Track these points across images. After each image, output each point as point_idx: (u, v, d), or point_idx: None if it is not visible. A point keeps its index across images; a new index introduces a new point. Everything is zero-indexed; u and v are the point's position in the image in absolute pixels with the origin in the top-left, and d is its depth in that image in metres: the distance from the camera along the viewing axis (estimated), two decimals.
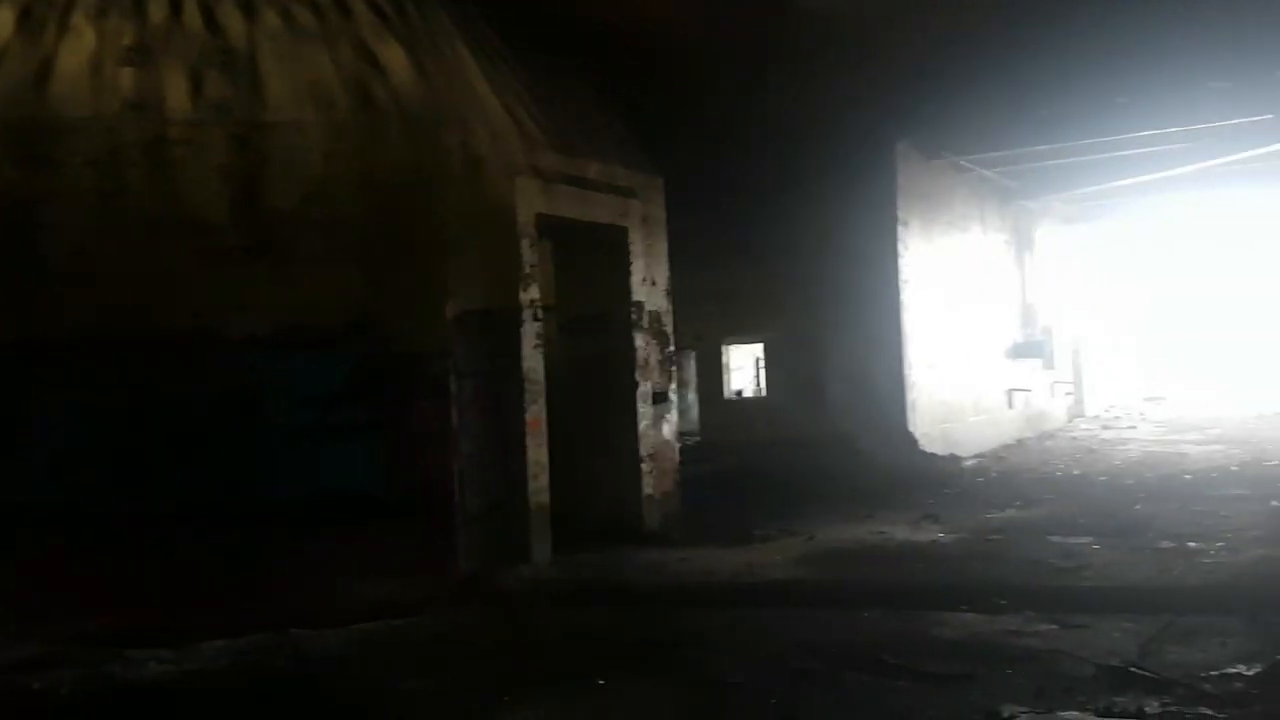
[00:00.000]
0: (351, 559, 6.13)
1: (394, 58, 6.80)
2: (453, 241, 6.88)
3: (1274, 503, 8.63)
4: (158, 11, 6.37)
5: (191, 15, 6.42)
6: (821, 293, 11.93)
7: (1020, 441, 14.94)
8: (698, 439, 13.28)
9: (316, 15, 6.67)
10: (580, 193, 8.00)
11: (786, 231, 11.99)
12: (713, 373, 13.32)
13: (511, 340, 7.26)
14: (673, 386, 9.13)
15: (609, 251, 8.50)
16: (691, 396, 13.90)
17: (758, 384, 14.11)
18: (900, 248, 11.86)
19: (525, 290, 7.34)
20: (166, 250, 6.10)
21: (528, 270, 7.38)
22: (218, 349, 6.20)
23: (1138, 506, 9.08)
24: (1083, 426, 17.04)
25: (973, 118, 11.10)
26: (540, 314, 7.53)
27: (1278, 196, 17.47)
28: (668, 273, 9.00)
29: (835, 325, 11.93)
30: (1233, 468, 11.17)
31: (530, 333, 7.38)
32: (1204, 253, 25.36)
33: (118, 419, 6.09)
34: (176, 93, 6.20)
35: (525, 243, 7.36)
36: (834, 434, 11.56)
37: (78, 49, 6.15)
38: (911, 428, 11.75)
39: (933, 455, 11.78)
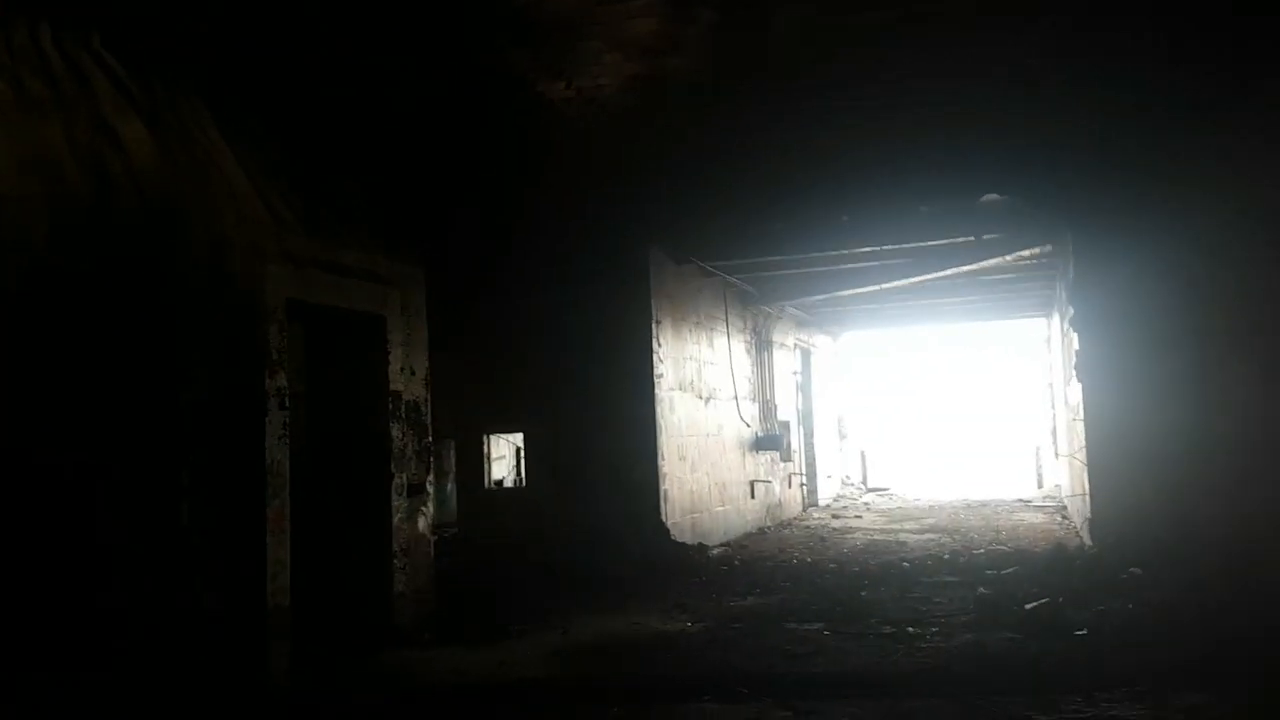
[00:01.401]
0: None
1: (137, 137, 6.47)
2: (192, 326, 6.54)
3: (980, 589, 9.51)
4: None
5: None
6: (581, 387, 12.23)
7: (761, 530, 15.78)
8: (455, 530, 13.07)
9: (51, 87, 6.25)
10: (337, 279, 7.86)
11: (552, 325, 12.29)
12: (473, 462, 13.22)
13: (254, 430, 6.93)
14: (430, 478, 8.99)
15: (366, 339, 8.36)
16: (450, 486, 13.71)
17: (519, 474, 14.12)
18: (655, 344, 12.40)
19: (271, 378, 7.06)
20: None
21: (275, 357, 7.12)
22: None
23: (863, 593, 9.78)
24: (815, 516, 18.20)
25: (713, 229, 12.04)
26: (287, 402, 7.25)
27: (985, 312, 19.71)
28: (427, 363, 8.94)
29: (595, 418, 12.23)
30: (945, 555, 12.27)
31: (275, 422, 7.08)
32: (924, 358, 28.17)
33: None
34: None
35: (273, 329, 7.11)
36: (593, 525, 11.74)
37: None
38: (664, 518, 12.14)
39: (683, 544, 12.20)
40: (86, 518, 5.94)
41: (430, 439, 9.03)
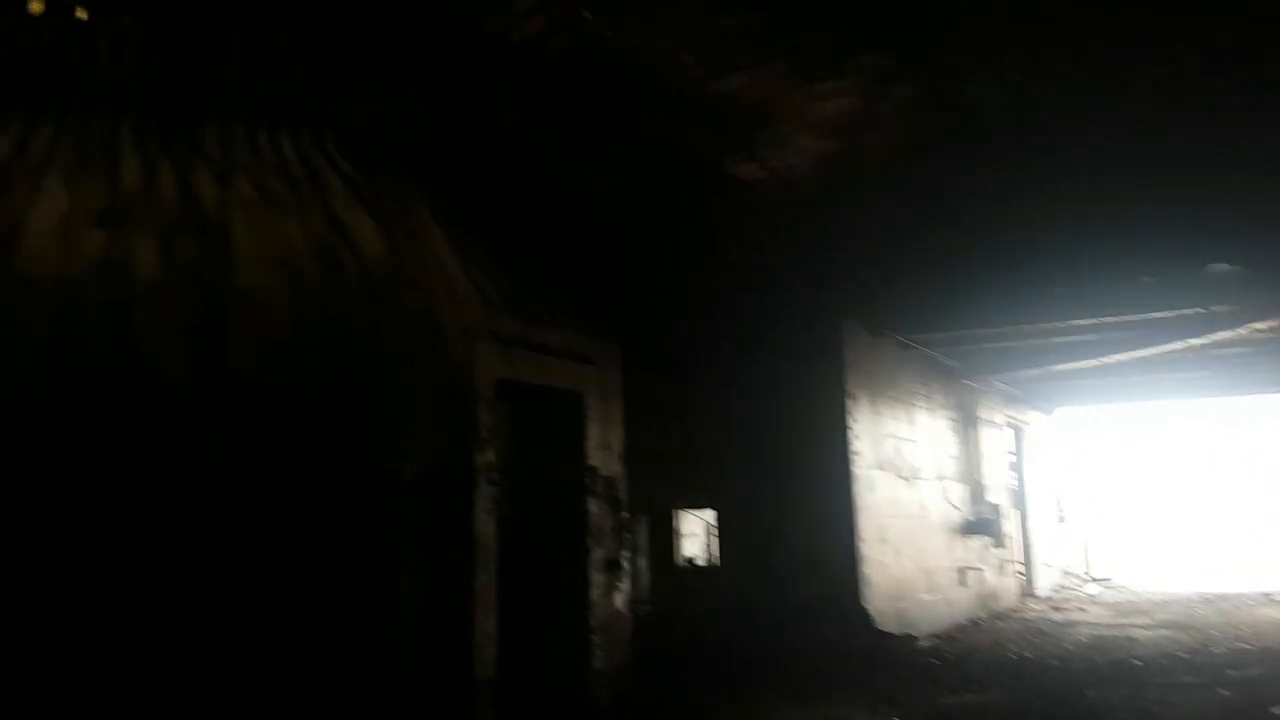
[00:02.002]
0: None
1: (364, 228, 7.01)
2: (409, 406, 6.91)
3: (1222, 691, 8.58)
4: (132, 177, 6.54)
5: (167, 182, 6.60)
6: (773, 462, 12.05)
7: (974, 621, 14.84)
8: (649, 608, 13.05)
9: (291, 187, 6.89)
10: (539, 358, 8.14)
11: (740, 400, 12.24)
12: (665, 539, 13.22)
13: (464, 504, 7.20)
14: (625, 554, 9.05)
15: (565, 417, 8.58)
16: (643, 563, 13.74)
17: (709, 552, 14.00)
18: (849, 421, 12.09)
19: (480, 453, 7.34)
20: (118, 408, 6.04)
21: (484, 434, 7.40)
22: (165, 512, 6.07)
23: (1090, 694, 9.00)
24: (1033, 607, 16.99)
25: (914, 301, 11.65)
26: (495, 477, 7.51)
27: (1215, 388, 18.15)
28: (623, 439, 9.07)
29: (788, 495, 12.00)
30: (1180, 654, 11.15)
31: (484, 497, 7.33)
32: (1150, 436, 26.13)
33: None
34: (146, 257, 6.30)
35: (483, 407, 7.42)
36: (787, 607, 11.43)
37: (49, 211, 6.26)
38: (865, 604, 11.66)
39: (886, 633, 11.66)
40: (302, 588, 6.33)
41: (626, 514, 9.10)
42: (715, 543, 13.24)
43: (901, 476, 13.44)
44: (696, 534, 14.54)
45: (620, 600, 8.82)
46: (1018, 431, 19.10)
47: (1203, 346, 12.96)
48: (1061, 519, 21.26)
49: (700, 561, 14.15)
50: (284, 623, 6.25)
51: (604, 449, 8.78)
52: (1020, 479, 18.93)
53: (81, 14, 6.04)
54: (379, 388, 6.76)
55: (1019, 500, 18.68)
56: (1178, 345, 12.76)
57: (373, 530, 6.57)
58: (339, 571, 6.45)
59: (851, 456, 11.99)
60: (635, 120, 7.39)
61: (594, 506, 8.53)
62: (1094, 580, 21.12)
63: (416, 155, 7.79)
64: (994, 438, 17.60)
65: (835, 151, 7.68)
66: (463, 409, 7.27)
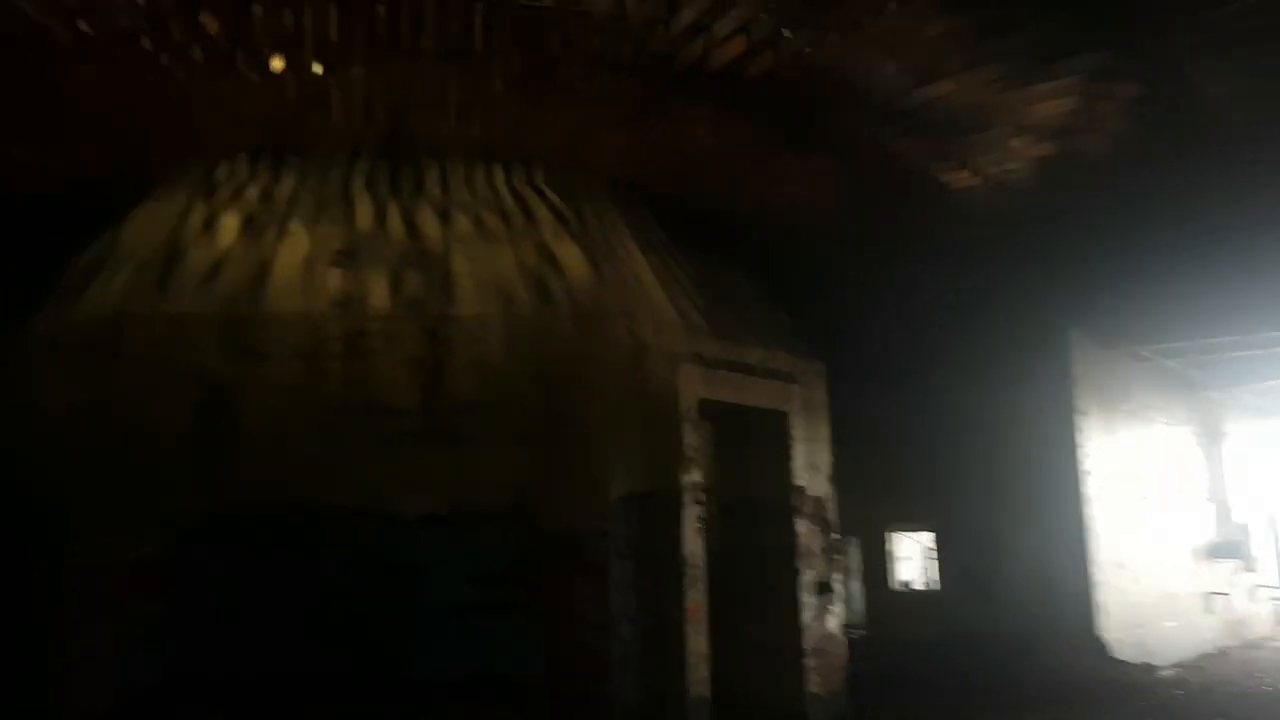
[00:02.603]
0: None
1: (570, 256, 7.26)
2: (615, 425, 7.07)
3: None
4: (364, 219, 7.07)
5: (394, 222, 7.09)
6: (993, 481, 11.47)
7: (1221, 651, 13.54)
8: (863, 632, 12.71)
9: (504, 220, 7.25)
10: (741, 378, 8.13)
11: (954, 416, 11.72)
12: (878, 562, 12.86)
13: (670, 524, 7.28)
14: (837, 576, 8.86)
15: (770, 436, 8.52)
16: (856, 586, 13.40)
17: (927, 575, 13.49)
18: (1079, 438, 11.33)
19: (686, 474, 7.41)
20: (355, 434, 6.52)
21: (689, 454, 7.47)
22: (391, 525, 6.49)
23: None
24: None
25: (1147, 309, 10.77)
26: (701, 497, 7.55)
27: None
28: (830, 458, 8.91)
29: (1010, 515, 11.38)
30: None
31: (690, 516, 7.39)
32: None
33: (293, 590, 6.38)
34: (378, 291, 6.77)
35: (687, 427, 7.48)
36: (1011, 633, 10.84)
37: (293, 252, 6.85)
38: (1100, 631, 10.87)
39: (1123, 663, 10.82)
40: (522, 598, 6.58)
41: (836, 536, 8.92)
42: (933, 565, 12.74)
43: (1139, 496, 12.46)
44: (912, 556, 14.06)
45: (833, 624, 8.64)
46: (1268, 447, 17.31)
47: None
48: None
49: (917, 585, 13.67)
50: (503, 632, 6.54)
51: (811, 469, 8.64)
52: (1276, 497, 17.13)
53: (317, 68, 6.58)
54: (586, 410, 6.95)
55: (1274, 521, 16.92)
56: None
57: (584, 547, 6.76)
58: (555, 585, 6.67)
59: (1082, 475, 11.22)
60: (837, 133, 7.27)
61: (803, 528, 8.41)
62: None
63: (619, 183, 7.99)
64: (1241, 453, 16.04)
65: (1054, 154, 7.26)
66: (667, 430, 7.36)
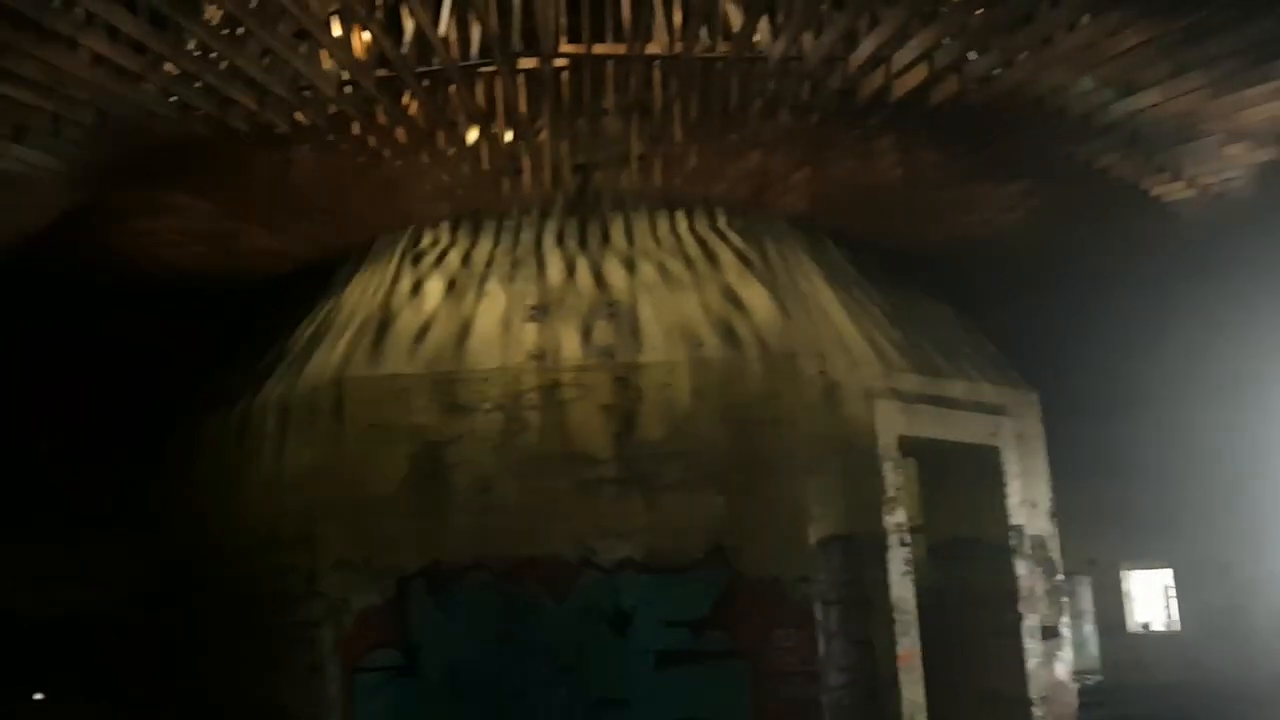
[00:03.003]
0: None
1: (756, 298, 7.24)
2: (811, 466, 6.95)
3: None
4: (555, 274, 7.33)
5: (584, 275, 7.31)
6: (1236, 514, 10.45)
7: None
8: (1097, 678, 11.82)
9: (688, 266, 7.33)
10: (944, 413, 7.80)
11: (1190, 445, 10.80)
12: (1112, 602, 11.94)
13: (876, 566, 7.05)
14: (1064, 619, 8.29)
15: (980, 472, 8.11)
16: (1088, 629, 12.50)
17: (1168, 615, 12.42)
18: None
19: (890, 514, 7.16)
20: (553, 483, 6.72)
21: (891, 494, 7.22)
22: (590, 572, 6.62)
23: None
24: None
25: None
26: (907, 539, 7.27)
27: None
28: (1049, 493, 8.38)
29: (1256, 550, 10.32)
30: None
31: (897, 558, 7.13)
32: None
33: (504, 636, 6.61)
34: (570, 343, 6.99)
35: (888, 465, 7.25)
36: (1261, 677, 9.77)
37: (491, 310, 7.19)
38: None
39: None
40: (724, 645, 6.54)
41: (1060, 576, 8.36)
42: (1173, 604, 11.72)
43: None
44: (1150, 596, 13.00)
45: (1061, 670, 8.07)
46: None
47: None
48: None
49: (1156, 626, 12.60)
50: (708, 679, 6.51)
51: (1028, 505, 8.15)
52: None
53: (509, 137, 6.92)
54: (781, 452, 6.87)
55: None
56: None
57: (786, 593, 6.65)
58: (758, 633, 6.60)
59: None
60: (1033, 154, 6.91)
61: (1023, 568, 7.92)
62: None
63: (804, 221, 7.91)
64: None
65: (1277, 159, 6.62)
66: (867, 469, 7.14)
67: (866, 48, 5.94)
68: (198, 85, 5.90)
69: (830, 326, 7.44)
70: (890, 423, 7.35)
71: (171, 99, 5.98)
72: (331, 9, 5.98)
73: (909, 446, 7.52)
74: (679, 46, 6.08)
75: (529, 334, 7.07)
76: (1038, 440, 8.40)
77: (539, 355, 6.96)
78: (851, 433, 7.15)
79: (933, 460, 8.19)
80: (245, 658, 7.20)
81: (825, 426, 7.05)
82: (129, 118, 5.95)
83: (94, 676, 9.81)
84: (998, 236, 8.29)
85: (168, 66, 5.72)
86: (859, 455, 7.14)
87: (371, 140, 6.71)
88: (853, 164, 7.29)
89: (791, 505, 6.81)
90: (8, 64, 5.24)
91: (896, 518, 7.20)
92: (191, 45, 5.67)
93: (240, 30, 5.66)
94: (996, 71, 5.97)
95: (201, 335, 9.02)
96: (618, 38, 6.57)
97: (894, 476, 7.27)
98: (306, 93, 6.14)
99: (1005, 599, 7.86)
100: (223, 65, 5.79)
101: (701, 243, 7.57)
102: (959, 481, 8.25)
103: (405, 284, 7.54)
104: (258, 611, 7.12)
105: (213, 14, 5.65)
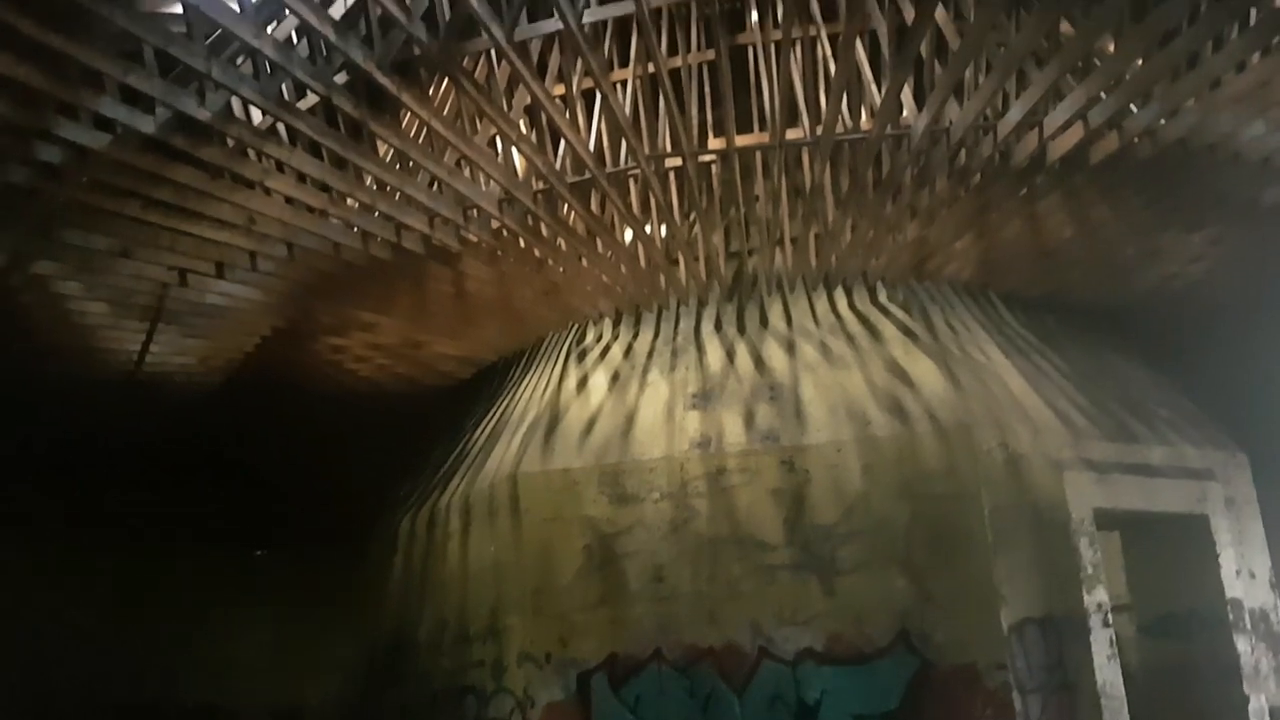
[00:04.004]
0: None
1: (924, 370, 7.05)
2: (1000, 544, 6.61)
3: None
4: (715, 360, 7.40)
5: (743, 359, 7.35)
6: None
7: None
8: None
9: (849, 343, 7.24)
10: (1144, 481, 7.28)
11: None
12: None
13: (1078, 649, 6.59)
14: None
15: (1188, 543, 7.48)
16: None
17: None
18: None
19: (1089, 593, 6.70)
20: (725, 569, 6.69)
21: (1090, 571, 6.77)
22: (770, 662, 6.50)
23: None
24: None
25: None
26: (1110, 618, 6.78)
27: None
28: (1269, 561, 7.64)
29: None
30: None
31: (1101, 640, 6.64)
32: None
33: None
34: (733, 428, 7.01)
35: (1084, 541, 6.81)
36: None
37: (654, 400, 7.32)
38: None
39: None
40: None
41: None
42: None
43: None
44: None
45: None
46: None
47: None
48: None
49: None
50: None
51: (1246, 575, 7.44)
52: None
53: (664, 234, 7.13)
54: (961, 530, 6.59)
55: None
56: None
57: (980, 681, 6.32)
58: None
59: None
60: (1212, 201, 6.49)
61: (1244, 644, 7.21)
62: None
63: (971, 288, 7.69)
64: None
65: None
66: (1060, 545, 6.72)
67: (1016, 112, 5.79)
68: (376, 214, 6.42)
69: (1008, 395, 7.13)
70: (1083, 494, 6.92)
71: (354, 228, 6.52)
72: (489, 135, 6.40)
73: (1107, 519, 7.06)
74: (821, 129, 6.13)
75: (692, 421, 7.14)
76: (1251, 504, 7.69)
77: (703, 442, 7.00)
78: (1041, 507, 6.77)
79: (1136, 532, 7.64)
80: None
81: (1012, 501, 6.72)
82: (317, 248, 6.52)
83: None
84: (1187, 288, 7.77)
85: (349, 201, 6.26)
86: (1051, 530, 6.74)
87: (535, 249, 7.06)
88: (1019, 226, 7.05)
89: (981, 586, 6.48)
90: (208, 209, 5.89)
91: (1097, 596, 6.72)
92: (369, 180, 6.19)
93: (410, 163, 6.14)
94: (1162, 122, 5.69)
95: (394, 437, 9.60)
96: (762, 126, 6.70)
97: (1091, 552, 6.81)
98: (472, 212, 6.56)
99: (1227, 679, 7.15)
100: (396, 196, 6.28)
101: (862, 319, 7.47)
102: (1167, 554, 7.63)
103: (572, 380, 7.80)
104: (455, 705, 7.37)
105: (385, 152, 6.16)
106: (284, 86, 5.57)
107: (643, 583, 6.83)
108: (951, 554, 6.55)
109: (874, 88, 6.53)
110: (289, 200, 6.06)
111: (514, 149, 6.62)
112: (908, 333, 7.31)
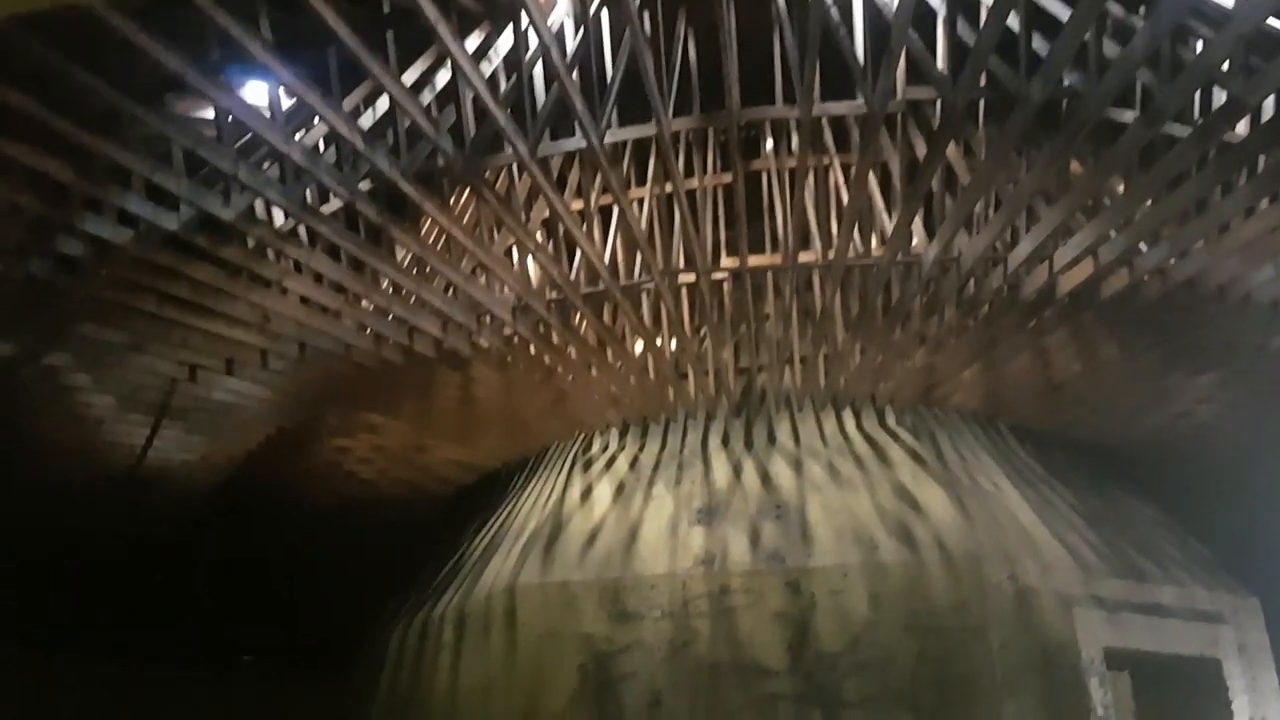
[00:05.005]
0: None
1: (933, 498, 6.96)
2: (1007, 684, 6.40)
3: None
4: (721, 476, 7.33)
5: (750, 476, 7.27)
6: None
7: None
8: None
9: (858, 465, 7.17)
10: (1155, 621, 7.09)
11: None
12: None
13: None
14: None
15: (1202, 688, 7.24)
16: None
17: None
18: None
19: None
20: (726, 697, 6.46)
21: (1101, 712, 6.53)
22: None
23: None
24: None
25: None
26: None
27: None
28: None
29: None
30: None
31: None
32: None
33: None
34: (738, 546, 6.89)
35: (1094, 681, 6.59)
36: None
37: (658, 514, 7.21)
38: None
39: None
40: None
41: None
42: None
43: None
44: None
45: None
46: None
47: None
48: None
49: None
50: None
51: None
52: None
53: (672, 345, 7.16)
54: (971, 666, 6.39)
55: None
56: None
57: None
58: None
59: None
60: (1221, 343, 6.50)
61: None
62: None
63: (981, 418, 7.66)
64: None
65: None
66: (1071, 685, 6.50)
67: (1025, 246, 5.87)
68: (389, 317, 6.46)
69: (1018, 528, 7.01)
70: (1093, 633, 6.73)
71: (366, 330, 6.55)
72: (508, 244, 6.49)
73: (1118, 659, 6.84)
74: (833, 253, 6.20)
75: (696, 538, 7.01)
76: (1264, 651, 7.47)
77: (707, 560, 6.87)
78: (1051, 645, 6.57)
79: (1148, 675, 7.40)
80: None
81: (1020, 638, 6.52)
82: (329, 349, 6.55)
83: None
84: (1195, 429, 7.72)
85: (364, 303, 6.31)
86: (1061, 670, 6.53)
87: (545, 357, 7.07)
88: (1027, 359, 7.06)
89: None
90: (223, 306, 5.93)
91: None
92: (385, 283, 6.26)
93: (426, 268, 6.21)
94: (1171, 262, 5.75)
95: (391, 545, 9.43)
96: (774, 247, 6.79)
97: (1102, 693, 6.59)
98: (485, 318, 6.60)
99: None
100: (411, 300, 6.33)
101: (870, 441, 7.41)
102: (1178, 698, 7.37)
103: (575, 490, 7.70)
104: None
105: (403, 257, 6.24)
106: (308, 191, 5.67)
107: (639, 708, 6.58)
108: (960, 693, 6.32)
109: (885, 216, 6.63)
110: (304, 300, 6.10)
111: (530, 259, 6.70)
112: (916, 458, 7.24)
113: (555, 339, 6.87)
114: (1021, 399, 7.69)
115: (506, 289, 6.48)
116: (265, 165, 5.41)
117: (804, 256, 6.46)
